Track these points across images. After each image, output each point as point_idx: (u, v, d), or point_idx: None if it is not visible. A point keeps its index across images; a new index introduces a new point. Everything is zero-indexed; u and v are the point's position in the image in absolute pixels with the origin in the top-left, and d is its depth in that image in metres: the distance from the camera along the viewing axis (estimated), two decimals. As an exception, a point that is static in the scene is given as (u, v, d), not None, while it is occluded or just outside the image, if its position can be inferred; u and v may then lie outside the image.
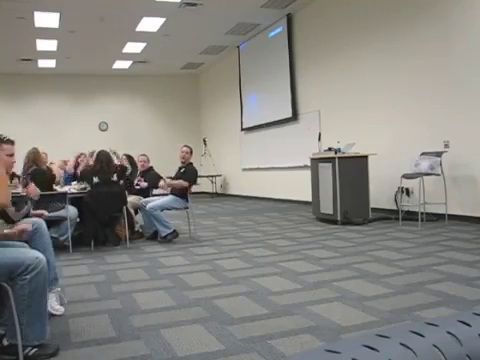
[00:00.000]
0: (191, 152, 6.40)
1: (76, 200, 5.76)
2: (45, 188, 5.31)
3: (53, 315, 2.98)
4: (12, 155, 3.13)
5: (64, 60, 12.55)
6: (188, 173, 6.22)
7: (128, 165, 6.74)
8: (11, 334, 2.36)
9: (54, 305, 3.02)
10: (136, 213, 6.62)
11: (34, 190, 4.05)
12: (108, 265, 4.71)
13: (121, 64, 13.59)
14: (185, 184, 6.03)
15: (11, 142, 3.13)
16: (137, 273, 4.30)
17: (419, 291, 3.29)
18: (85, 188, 5.80)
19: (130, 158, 7.18)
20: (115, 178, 5.76)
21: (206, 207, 10.64)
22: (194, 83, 15.85)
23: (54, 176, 6.20)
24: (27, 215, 3.32)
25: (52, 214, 5.45)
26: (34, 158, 5.68)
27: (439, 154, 6.20)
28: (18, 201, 3.46)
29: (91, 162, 6.14)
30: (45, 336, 2.44)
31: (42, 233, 2.90)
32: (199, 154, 13.83)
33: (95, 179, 5.65)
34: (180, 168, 6.39)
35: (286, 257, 4.69)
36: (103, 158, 5.76)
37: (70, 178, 7.51)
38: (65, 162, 9.65)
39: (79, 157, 8.24)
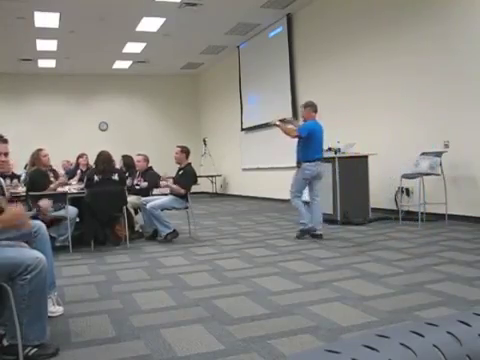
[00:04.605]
0: (184, 152, 6.31)
1: (76, 200, 5.76)
2: (42, 189, 5.34)
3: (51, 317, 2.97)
4: (6, 154, 3.04)
5: (64, 60, 12.55)
6: (185, 176, 6.21)
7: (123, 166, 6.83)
8: (11, 334, 2.35)
9: (51, 308, 3.01)
10: (136, 213, 6.62)
11: (46, 207, 3.94)
12: (108, 265, 4.71)
13: (121, 64, 13.59)
14: (182, 191, 6.05)
15: (4, 141, 3.03)
16: (137, 273, 4.30)
17: (419, 291, 3.29)
18: (85, 188, 5.81)
19: (129, 158, 7.17)
20: (117, 177, 5.76)
21: (206, 207, 10.64)
22: (194, 83, 15.85)
23: (56, 176, 6.25)
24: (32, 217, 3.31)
25: (52, 214, 5.46)
26: (33, 159, 5.73)
27: (439, 154, 6.19)
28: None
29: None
30: (45, 336, 2.44)
31: (43, 236, 2.90)
32: (199, 154, 13.84)
33: (96, 178, 5.67)
34: (179, 169, 6.39)
35: (286, 257, 4.69)
36: (105, 158, 5.78)
37: (71, 172, 7.80)
38: (68, 162, 9.74)
39: (81, 157, 8.30)
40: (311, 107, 5.85)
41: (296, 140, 5.85)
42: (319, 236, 5.69)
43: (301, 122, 6.02)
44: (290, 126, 5.98)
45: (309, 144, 5.64)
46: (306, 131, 5.61)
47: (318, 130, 5.77)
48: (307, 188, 5.89)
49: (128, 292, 3.62)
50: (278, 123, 5.87)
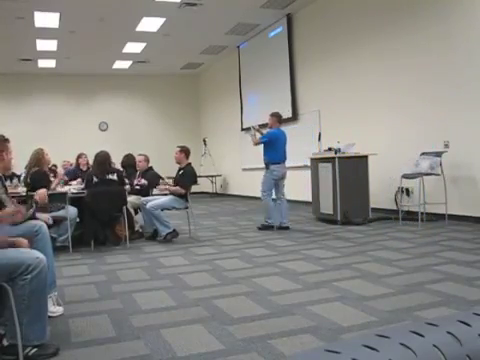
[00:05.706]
0: (183, 152, 6.31)
1: (76, 200, 5.76)
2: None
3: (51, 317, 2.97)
4: (10, 153, 3.16)
5: (64, 60, 12.55)
6: (185, 176, 6.21)
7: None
8: (11, 334, 2.36)
9: (51, 308, 3.01)
10: (136, 213, 6.62)
11: (44, 197, 3.98)
12: (108, 265, 4.71)
13: (121, 64, 13.58)
14: (182, 191, 6.06)
15: (8, 140, 3.14)
16: (137, 273, 4.30)
17: (419, 291, 3.29)
18: (85, 188, 5.81)
19: (130, 158, 7.17)
20: (115, 177, 5.76)
21: (206, 207, 10.64)
22: (194, 83, 15.85)
23: (56, 176, 6.22)
24: (32, 218, 3.32)
25: (52, 214, 5.46)
26: (38, 159, 5.64)
27: (439, 154, 6.20)
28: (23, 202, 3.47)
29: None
30: (45, 336, 2.44)
31: (44, 236, 2.90)
32: (199, 154, 13.83)
33: (94, 178, 5.67)
34: (179, 169, 6.39)
35: (286, 257, 4.69)
36: (102, 158, 5.78)
37: (72, 172, 7.78)
38: (68, 162, 9.73)
39: (80, 157, 8.29)
40: (277, 117, 6.82)
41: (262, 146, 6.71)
42: (286, 228, 6.52)
43: (266, 130, 7.02)
44: (258, 136, 6.85)
45: (275, 149, 6.56)
46: (266, 138, 6.63)
47: (281, 136, 6.66)
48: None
49: (128, 292, 3.62)
50: (255, 131, 6.85)
